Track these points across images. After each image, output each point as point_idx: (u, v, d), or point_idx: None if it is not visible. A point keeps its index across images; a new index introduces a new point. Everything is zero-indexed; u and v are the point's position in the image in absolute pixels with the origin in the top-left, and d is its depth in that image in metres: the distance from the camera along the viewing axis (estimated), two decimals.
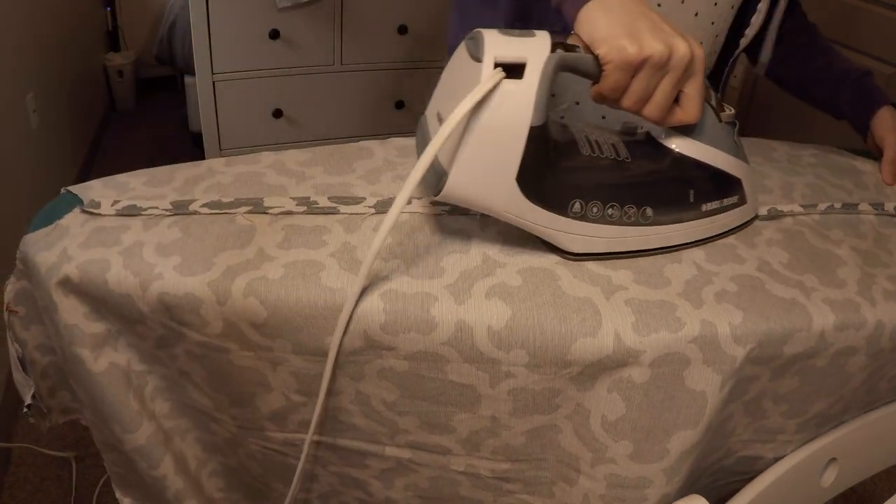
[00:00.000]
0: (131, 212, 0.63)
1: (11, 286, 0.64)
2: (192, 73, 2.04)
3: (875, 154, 0.88)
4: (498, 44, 0.51)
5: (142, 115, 3.13)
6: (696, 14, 0.80)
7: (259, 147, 2.07)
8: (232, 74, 1.96)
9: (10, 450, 1.46)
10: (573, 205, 0.57)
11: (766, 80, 1.01)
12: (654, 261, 0.62)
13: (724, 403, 0.58)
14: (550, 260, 0.60)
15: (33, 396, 0.68)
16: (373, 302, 0.55)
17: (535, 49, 0.52)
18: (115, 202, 0.64)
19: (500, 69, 0.51)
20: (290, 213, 0.64)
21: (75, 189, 0.66)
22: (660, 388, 0.56)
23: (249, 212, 0.63)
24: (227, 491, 0.72)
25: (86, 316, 0.59)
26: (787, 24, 0.92)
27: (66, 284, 0.57)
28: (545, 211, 0.56)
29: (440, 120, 0.54)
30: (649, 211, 0.60)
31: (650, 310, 0.56)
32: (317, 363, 0.57)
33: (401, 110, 2.25)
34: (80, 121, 2.56)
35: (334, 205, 0.65)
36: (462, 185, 0.54)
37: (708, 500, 0.59)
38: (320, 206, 0.64)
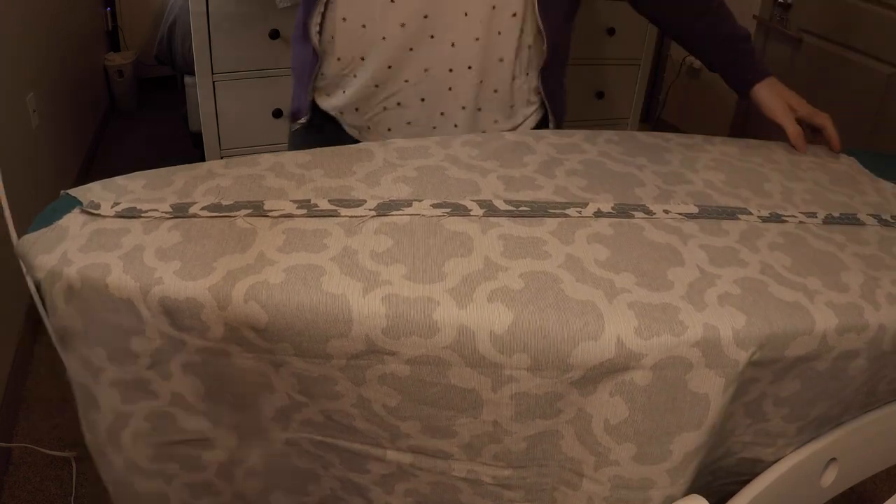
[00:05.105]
0: (131, 214, 0.62)
1: None
2: (192, 73, 2.04)
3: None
4: None
5: (142, 115, 3.12)
6: None
7: (259, 147, 2.08)
8: (232, 74, 1.96)
9: (10, 450, 1.46)
10: None
11: None
12: (657, 263, 0.62)
13: (726, 405, 0.58)
14: (553, 263, 0.60)
15: None
16: (374, 306, 0.55)
17: None
18: (115, 204, 0.63)
19: None
20: (290, 216, 0.63)
21: (74, 192, 0.65)
22: (662, 390, 0.56)
23: (250, 215, 0.63)
24: None
25: (81, 339, 0.59)
26: None
27: (67, 290, 0.57)
28: None
29: None
30: None
31: (653, 313, 0.56)
32: (318, 366, 0.57)
33: None
34: (80, 121, 2.55)
35: (334, 207, 0.64)
36: None
37: (708, 499, 0.59)
38: (320, 208, 0.64)
